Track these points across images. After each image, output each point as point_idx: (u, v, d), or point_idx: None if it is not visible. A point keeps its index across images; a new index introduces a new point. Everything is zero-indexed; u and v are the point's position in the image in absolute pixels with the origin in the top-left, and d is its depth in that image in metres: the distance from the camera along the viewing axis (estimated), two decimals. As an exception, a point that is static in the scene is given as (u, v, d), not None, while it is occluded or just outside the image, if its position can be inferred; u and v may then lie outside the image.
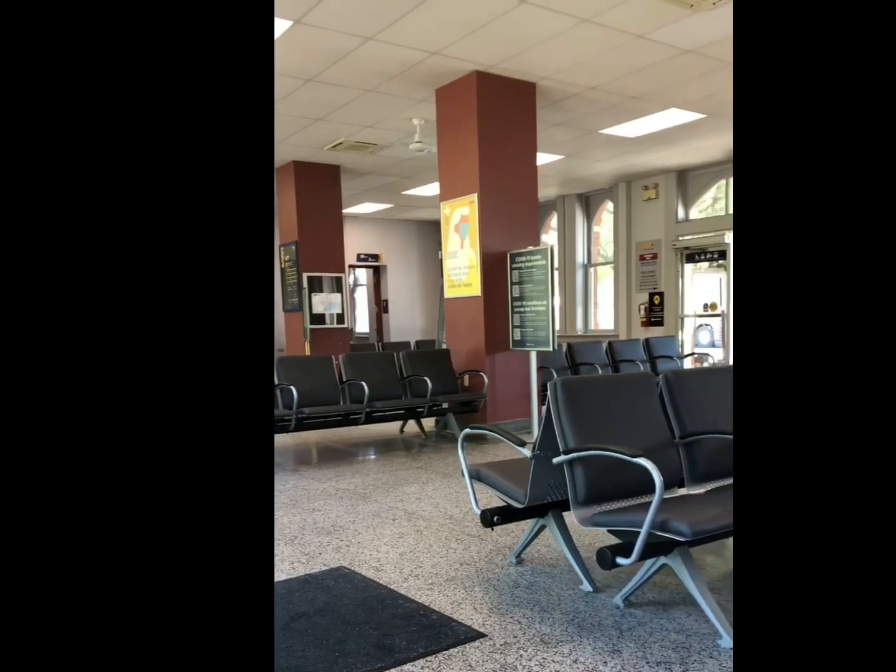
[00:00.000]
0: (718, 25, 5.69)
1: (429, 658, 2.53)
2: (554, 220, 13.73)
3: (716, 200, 11.42)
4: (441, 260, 7.66)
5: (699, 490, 3.12)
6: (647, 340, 9.03)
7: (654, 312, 11.73)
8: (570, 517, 2.95)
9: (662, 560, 2.76)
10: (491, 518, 3.17)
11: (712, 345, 11.50)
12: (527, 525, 3.47)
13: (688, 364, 10.00)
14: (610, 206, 12.74)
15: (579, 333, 13.08)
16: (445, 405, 7.04)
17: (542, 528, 3.34)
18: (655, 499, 2.43)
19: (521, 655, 2.54)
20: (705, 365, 9.94)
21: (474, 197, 6.91)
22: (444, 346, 8.13)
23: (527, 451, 3.03)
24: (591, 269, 13.30)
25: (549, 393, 2.89)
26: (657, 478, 2.44)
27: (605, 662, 2.47)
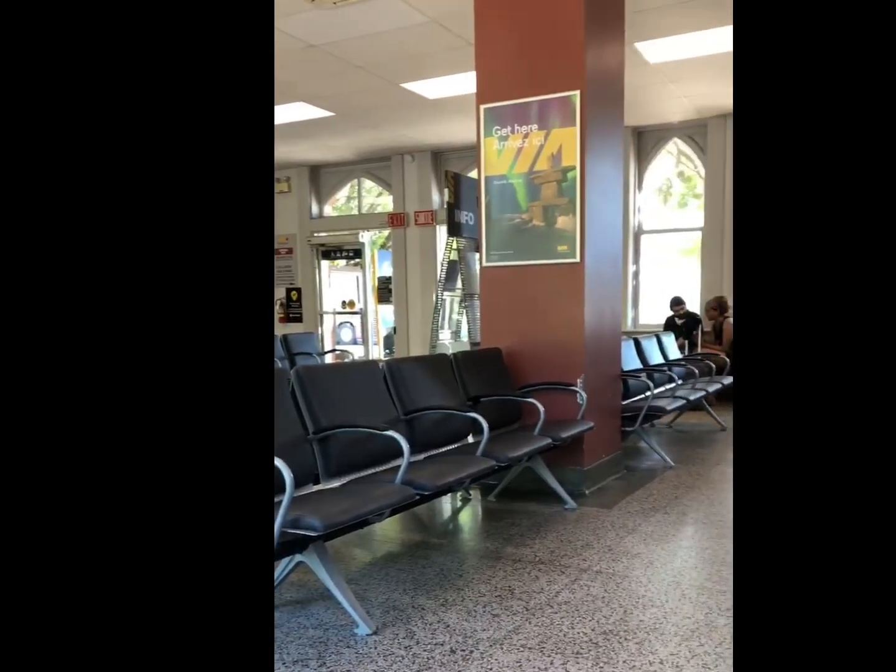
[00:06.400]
0: (342, 25, 5.78)
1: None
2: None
3: (350, 199, 11.79)
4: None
5: (335, 484, 3.12)
6: (285, 337, 8.98)
7: (293, 308, 11.76)
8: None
9: (298, 558, 2.70)
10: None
11: (354, 342, 11.89)
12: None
13: (329, 361, 10.19)
14: (244, 198, 12.46)
15: (217, 331, 12.62)
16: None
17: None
18: (286, 497, 2.35)
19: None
20: (346, 361, 10.22)
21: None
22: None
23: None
24: (227, 264, 12.90)
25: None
26: (287, 475, 2.36)
27: (241, 675, 2.34)
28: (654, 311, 9.13)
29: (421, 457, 3.59)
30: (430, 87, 7.33)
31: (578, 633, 2.57)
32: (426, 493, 2.97)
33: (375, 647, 2.50)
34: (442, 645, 2.50)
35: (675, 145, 9.17)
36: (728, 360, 7.36)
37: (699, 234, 8.89)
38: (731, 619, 2.62)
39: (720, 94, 7.69)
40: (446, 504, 4.48)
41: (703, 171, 8.83)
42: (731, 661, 2.32)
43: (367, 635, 2.58)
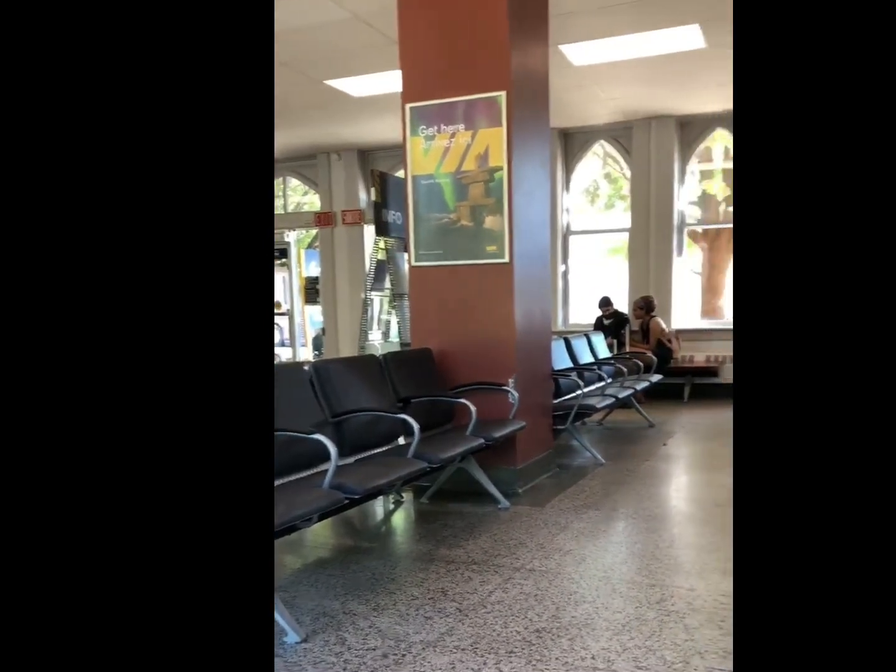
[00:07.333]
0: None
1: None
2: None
3: (276, 198, 11.60)
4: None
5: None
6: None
7: (220, 311, 11.48)
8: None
9: (224, 567, 2.61)
10: None
11: (282, 343, 11.67)
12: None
13: (256, 362, 9.96)
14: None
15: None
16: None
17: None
18: (211, 505, 2.27)
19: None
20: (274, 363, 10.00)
21: None
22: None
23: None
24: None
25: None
26: (212, 482, 2.28)
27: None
28: (583, 311, 9.26)
29: (351, 460, 3.53)
30: (355, 85, 7.24)
31: (511, 632, 2.56)
32: (356, 496, 2.91)
33: (305, 655, 2.44)
34: (374, 650, 2.46)
35: (601, 147, 9.32)
36: (655, 358, 7.51)
37: (626, 234, 9.06)
38: (661, 613, 2.65)
39: (644, 97, 7.85)
40: (378, 507, 4.43)
41: (628, 173, 9.01)
42: (660, 654, 2.35)
43: (297, 643, 2.52)
